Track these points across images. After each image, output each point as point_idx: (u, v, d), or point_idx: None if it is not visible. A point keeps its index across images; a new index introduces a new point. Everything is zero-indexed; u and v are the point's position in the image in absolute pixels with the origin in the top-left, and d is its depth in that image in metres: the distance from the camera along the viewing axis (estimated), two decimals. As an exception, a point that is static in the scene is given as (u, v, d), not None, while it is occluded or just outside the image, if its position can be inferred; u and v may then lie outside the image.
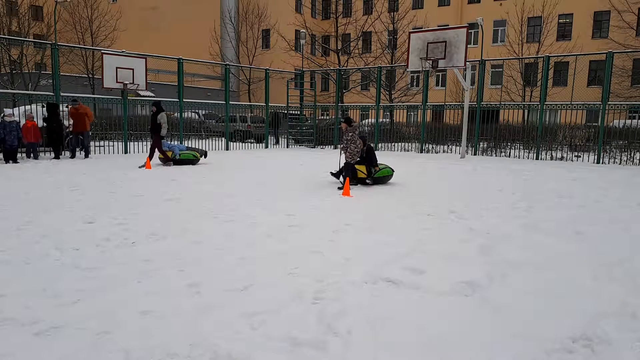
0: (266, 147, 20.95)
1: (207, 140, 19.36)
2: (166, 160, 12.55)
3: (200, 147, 15.97)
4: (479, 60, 17.60)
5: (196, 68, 27.23)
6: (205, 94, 30.17)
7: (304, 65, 25.75)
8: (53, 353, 2.75)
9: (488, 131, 18.22)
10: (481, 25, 24.02)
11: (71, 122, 14.02)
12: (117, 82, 15.39)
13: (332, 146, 20.99)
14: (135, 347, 2.81)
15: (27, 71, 26.29)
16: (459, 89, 25.21)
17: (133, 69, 15.72)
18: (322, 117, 24.34)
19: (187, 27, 39.33)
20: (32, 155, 13.49)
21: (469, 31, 16.81)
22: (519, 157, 16.75)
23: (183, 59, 17.83)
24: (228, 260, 4.53)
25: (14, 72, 26.38)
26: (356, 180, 9.37)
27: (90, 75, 28.50)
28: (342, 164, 9.42)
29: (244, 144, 20.85)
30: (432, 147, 18.93)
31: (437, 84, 32.96)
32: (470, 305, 3.53)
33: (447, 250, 4.90)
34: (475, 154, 17.52)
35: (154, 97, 20.29)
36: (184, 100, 17.81)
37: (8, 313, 3.25)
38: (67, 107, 14.27)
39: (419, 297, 3.68)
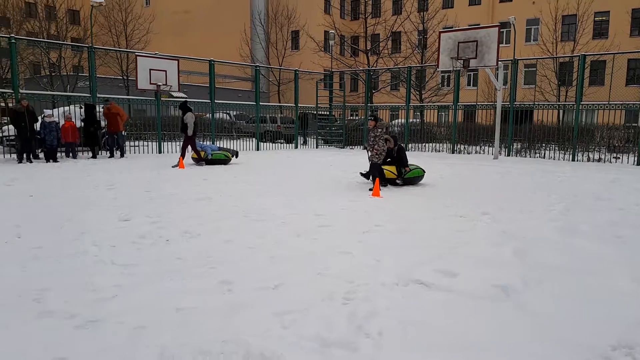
0: (296, 147, 21.05)
1: (238, 140, 19.58)
2: (199, 160, 12.76)
3: (231, 147, 16.17)
4: (511, 60, 17.24)
5: (227, 69, 27.62)
6: (236, 95, 30.53)
7: (333, 66, 25.76)
8: (92, 346, 2.83)
9: (522, 132, 17.81)
10: (513, 24, 23.51)
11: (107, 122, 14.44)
12: (150, 83, 15.75)
13: (361, 146, 20.94)
14: (170, 343, 2.86)
15: (65, 73, 27.15)
16: (491, 89, 24.75)
17: (166, 71, 16.06)
18: (351, 118, 24.31)
19: (218, 30, 39.90)
20: (70, 154, 13.93)
21: (501, 30, 16.47)
22: (554, 159, 16.33)
23: (214, 61, 18.10)
24: (259, 259, 4.58)
25: (53, 74, 27.29)
26: (385, 181, 9.22)
27: (125, 77, 29.20)
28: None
29: (273, 144, 21.02)
30: (464, 148, 18.64)
31: (468, 84, 32.44)
32: (505, 310, 3.46)
33: (480, 253, 4.82)
34: (508, 155, 17.17)
35: (186, 98, 20.65)
36: (216, 101, 18.07)
37: (50, 306, 3.37)
38: (102, 107, 14.69)
39: (451, 300, 3.63)
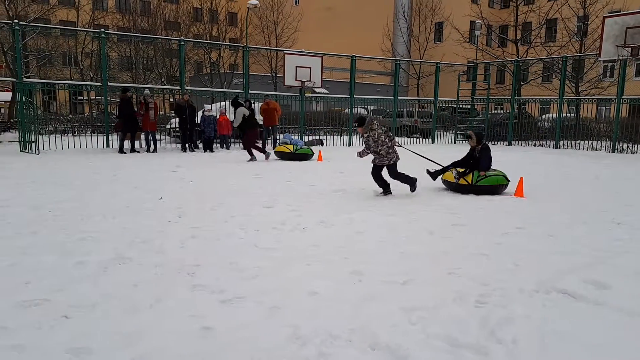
0: (432, 142, 20.55)
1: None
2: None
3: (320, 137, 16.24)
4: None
5: (367, 64, 27.89)
6: (374, 89, 30.75)
7: (478, 57, 24.52)
8: (236, 319, 3.13)
9: None
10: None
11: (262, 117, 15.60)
12: (295, 80, 16.63)
13: (506, 142, 19.67)
14: (302, 325, 3.04)
15: (223, 71, 29.91)
16: (667, 80, 21.40)
17: (310, 68, 16.81)
18: (495, 112, 22.93)
19: (360, 25, 40.48)
20: (224, 145, 15.39)
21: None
22: None
23: (356, 56, 18.43)
24: (389, 252, 4.61)
25: (213, 72, 30.25)
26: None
27: (274, 74, 31.21)
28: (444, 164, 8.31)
29: (409, 138, 20.76)
30: (628, 147, 16.44)
31: (636, 75, 28.43)
32: (668, 333, 3.03)
33: (640, 266, 4.26)
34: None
35: (328, 94, 21.39)
36: (355, 96, 18.42)
37: (201, 280, 3.80)
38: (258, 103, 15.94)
39: (601, 314, 3.28)
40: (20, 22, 15.04)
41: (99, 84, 15.86)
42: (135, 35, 26.61)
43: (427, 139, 20.96)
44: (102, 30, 15.85)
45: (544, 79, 26.68)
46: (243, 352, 2.72)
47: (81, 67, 28.80)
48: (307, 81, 16.80)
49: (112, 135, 14.73)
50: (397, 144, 7.52)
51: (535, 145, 18.94)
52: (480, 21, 25.43)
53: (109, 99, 15.17)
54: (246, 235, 5.16)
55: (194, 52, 30.90)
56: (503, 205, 6.97)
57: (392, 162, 7.36)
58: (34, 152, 12.85)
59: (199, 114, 14.91)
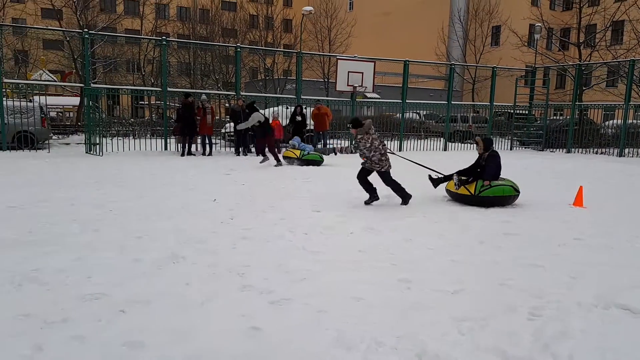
0: (488, 149, 19.94)
1: (425, 140, 19.44)
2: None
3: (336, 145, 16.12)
4: None
5: (421, 69, 27.55)
6: (427, 94, 30.31)
7: (537, 61, 23.64)
8: (283, 321, 3.18)
9: None
10: None
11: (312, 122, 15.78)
12: (347, 85, 16.67)
13: (565, 150, 18.82)
14: (348, 329, 3.05)
15: (276, 77, 30.43)
16: None
17: (362, 73, 16.80)
18: (554, 117, 22.00)
19: (415, 29, 40.04)
20: (276, 150, 15.63)
21: None
22: None
23: (409, 61, 18.25)
24: (439, 260, 4.53)
25: (267, 78, 30.85)
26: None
27: (326, 79, 31.41)
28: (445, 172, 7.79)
29: (463, 144, 20.28)
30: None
31: None
32: None
33: None
34: None
35: (379, 99, 21.30)
36: (407, 101, 18.24)
37: (251, 281, 3.88)
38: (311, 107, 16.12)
39: (666, 334, 3.08)
40: (90, 31, 15.98)
41: (159, 89, 16.55)
42: (194, 42, 27.59)
43: (481, 145, 20.35)
44: (164, 37, 16.55)
45: (608, 84, 25.34)
46: (290, 354, 2.76)
47: (143, 73, 30.16)
48: (359, 86, 16.79)
49: (170, 138, 15.32)
50: (390, 152, 7.26)
51: (597, 153, 18.02)
52: (540, 24, 24.47)
53: (168, 103, 15.80)
54: (295, 238, 5.22)
55: (250, 59, 31.61)
56: (560, 215, 6.68)
57: (383, 169, 7.04)
58: (98, 153, 13.56)
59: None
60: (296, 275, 4.02)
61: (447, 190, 7.61)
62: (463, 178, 7.36)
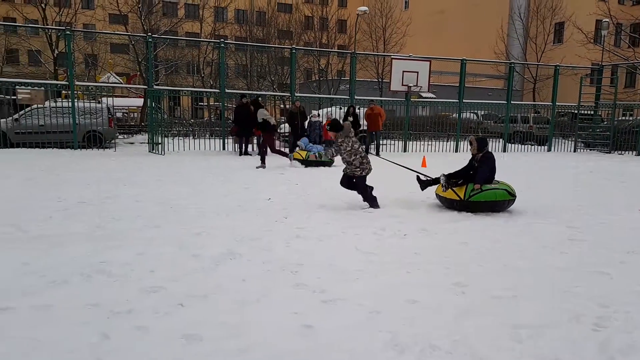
0: (549, 149, 19.13)
1: (484, 141, 18.87)
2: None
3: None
4: None
5: (478, 68, 26.80)
6: (485, 94, 29.43)
7: (604, 58, 22.40)
8: (336, 320, 3.19)
9: None
10: None
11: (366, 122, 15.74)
12: (402, 85, 16.49)
13: (635, 152, 17.70)
14: (401, 332, 3.02)
15: (330, 78, 30.56)
16: None
17: (418, 72, 16.57)
18: (623, 118, 20.75)
19: (472, 28, 38.99)
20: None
21: None
22: None
23: (466, 60, 17.81)
24: (496, 265, 4.39)
25: (320, 79, 31.04)
26: (446, 204, 6.82)
27: (380, 79, 31.20)
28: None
29: (522, 145, 19.54)
30: None
31: None
32: None
33: None
34: None
35: (435, 98, 20.92)
36: (464, 100, 17.80)
37: (303, 279, 3.92)
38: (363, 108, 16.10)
39: None
40: (153, 35, 16.71)
41: (217, 90, 17.05)
42: (251, 45, 28.22)
43: (542, 147, 19.58)
44: (222, 40, 17.03)
45: (686, 81, 23.60)
46: (342, 354, 2.77)
47: (202, 75, 31.17)
48: (414, 86, 16.57)
49: (227, 138, 15.74)
50: (376, 155, 6.96)
51: (672, 156, 16.85)
52: (607, 20, 23.18)
53: (225, 104, 16.25)
54: (347, 238, 5.23)
55: (304, 60, 31.91)
56: (629, 221, 6.30)
57: (364, 173, 6.74)
58: (160, 152, 14.15)
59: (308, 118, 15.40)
60: (349, 276, 4.03)
61: (437, 195, 7.04)
62: (453, 180, 6.89)
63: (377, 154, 15.58)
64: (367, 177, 6.88)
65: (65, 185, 8.21)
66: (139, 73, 25.62)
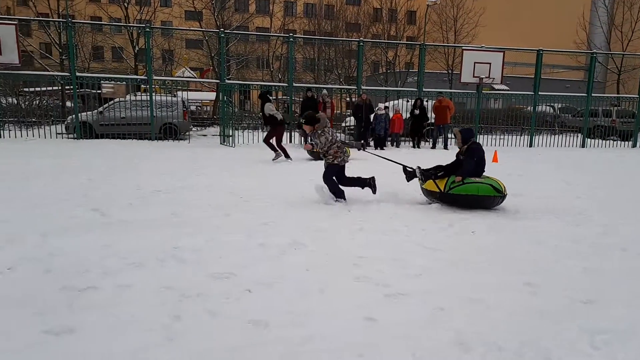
0: (634, 145, 17.78)
1: (560, 136, 17.87)
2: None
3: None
4: None
5: (556, 58, 25.36)
6: (563, 86, 27.81)
7: (703, 46, 20.41)
8: (399, 315, 3.17)
9: None
10: None
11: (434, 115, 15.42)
12: (473, 76, 15.94)
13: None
14: (466, 330, 2.95)
15: (398, 70, 30.14)
16: None
17: (490, 63, 15.94)
18: None
19: (550, 16, 36.97)
20: (394, 143, 15.54)
21: None
22: None
23: (543, 50, 16.89)
24: (572, 266, 4.17)
25: (388, 71, 30.70)
26: (430, 197, 6.58)
27: (450, 71, 30.35)
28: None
29: (604, 141, 18.27)
30: None
31: None
32: None
33: None
34: None
35: (508, 90, 20.05)
36: (539, 93, 16.93)
37: (366, 272, 3.92)
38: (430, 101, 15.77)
39: None
40: (225, 31, 17.25)
41: (286, 84, 17.33)
42: (318, 38, 28.41)
43: (626, 142, 18.22)
44: (291, 34, 17.27)
45: None
46: (405, 349, 2.75)
47: (271, 69, 31.81)
48: (486, 77, 15.96)
49: (294, 131, 15.99)
50: (366, 150, 6.71)
51: None
52: None
53: (293, 98, 16.49)
54: (411, 233, 5.16)
55: (372, 52, 31.67)
56: None
57: (337, 161, 6.64)
58: (230, 145, 14.63)
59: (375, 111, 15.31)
60: (413, 271, 3.98)
61: (424, 190, 6.73)
62: (431, 172, 6.57)
63: (445, 147, 15.20)
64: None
65: (143, 174, 8.73)
66: (211, 67, 26.58)
